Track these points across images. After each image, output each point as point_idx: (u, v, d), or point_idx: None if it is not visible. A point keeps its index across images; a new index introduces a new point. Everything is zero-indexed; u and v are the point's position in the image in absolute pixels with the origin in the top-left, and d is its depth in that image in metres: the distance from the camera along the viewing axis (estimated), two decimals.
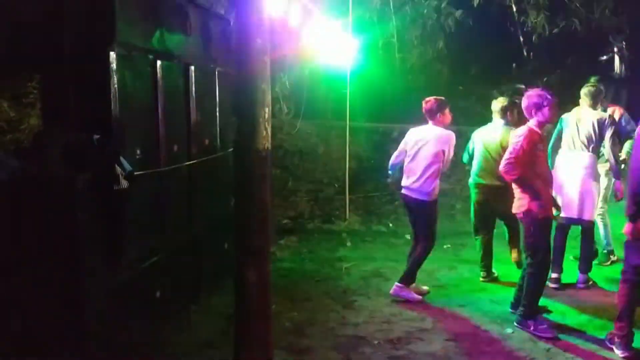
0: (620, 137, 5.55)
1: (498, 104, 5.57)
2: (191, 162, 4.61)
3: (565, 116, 5.40)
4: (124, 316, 3.55)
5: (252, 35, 3.10)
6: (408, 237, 7.26)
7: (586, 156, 5.20)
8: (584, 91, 5.39)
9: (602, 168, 5.55)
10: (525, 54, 12.01)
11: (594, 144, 5.20)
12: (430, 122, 5.09)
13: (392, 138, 10.52)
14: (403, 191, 5.16)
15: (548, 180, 4.51)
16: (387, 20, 11.94)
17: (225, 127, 5.36)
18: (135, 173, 3.52)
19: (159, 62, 4.03)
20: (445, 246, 6.65)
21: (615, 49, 11.08)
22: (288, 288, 5.35)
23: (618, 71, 11.21)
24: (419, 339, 4.29)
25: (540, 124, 4.44)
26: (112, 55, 3.45)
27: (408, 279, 5.08)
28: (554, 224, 4.87)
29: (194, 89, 4.63)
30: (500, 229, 5.83)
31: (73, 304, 3.21)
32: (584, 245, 5.42)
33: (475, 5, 10.95)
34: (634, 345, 4.00)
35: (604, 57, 11.31)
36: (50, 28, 3.48)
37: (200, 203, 4.80)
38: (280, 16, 5.49)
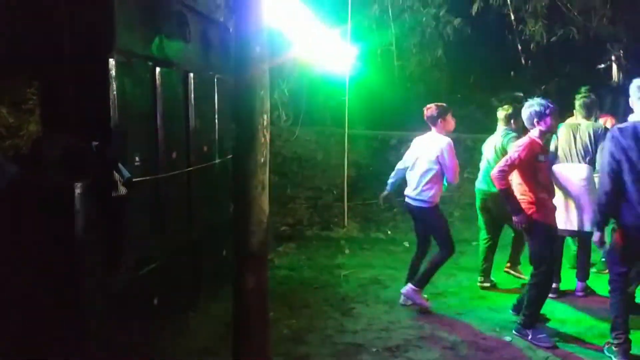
0: None
1: (502, 112, 5.63)
2: (190, 168, 4.61)
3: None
4: (123, 322, 3.54)
5: (251, 42, 3.11)
6: (407, 244, 7.28)
7: (584, 168, 5.16)
8: (579, 102, 5.39)
9: (596, 178, 5.56)
10: (523, 62, 12.07)
11: (591, 155, 5.17)
12: (433, 129, 5.08)
13: (391, 145, 10.54)
14: (406, 200, 5.16)
15: (551, 191, 4.52)
16: (386, 28, 12.00)
17: (224, 134, 5.36)
18: (134, 179, 3.52)
19: (158, 69, 4.04)
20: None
21: (613, 58, 11.13)
22: (286, 295, 5.34)
23: (616, 79, 11.25)
24: (417, 347, 4.28)
25: (542, 134, 4.44)
26: (112, 62, 3.45)
27: (423, 282, 5.02)
28: None
29: (193, 95, 4.64)
30: (504, 240, 5.83)
31: (72, 309, 3.21)
32: (582, 254, 5.43)
33: (473, 13, 11.01)
34: (632, 352, 3.99)
35: (602, 66, 11.36)
36: (50, 34, 3.49)
37: (198, 209, 4.80)
38: (279, 24, 5.51)
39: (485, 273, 5.65)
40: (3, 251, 3.16)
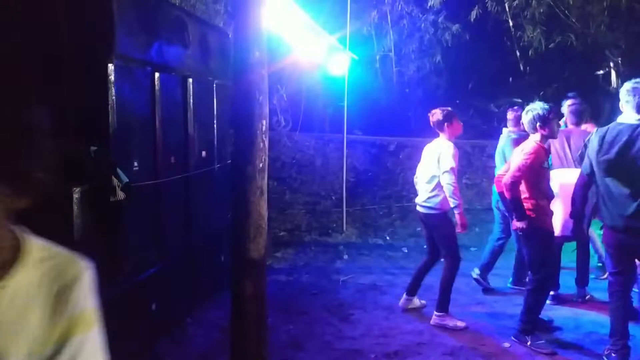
0: None
1: (511, 113, 5.64)
2: (188, 173, 4.61)
3: None
4: (120, 328, 3.53)
5: (250, 48, 3.11)
6: (405, 250, 7.28)
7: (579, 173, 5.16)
8: (571, 109, 5.35)
9: None
10: (521, 68, 12.11)
11: None
12: (440, 135, 4.94)
13: (390, 151, 10.57)
14: (417, 207, 5.05)
15: (550, 197, 4.50)
16: (385, 34, 12.05)
17: (222, 139, 5.36)
18: (132, 184, 3.52)
19: (157, 74, 4.05)
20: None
21: (612, 64, 11.16)
22: (284, 301, 5.33)
23: (615, 86, 11.28)
24: (416, 353, 4.27)
25: (545, 138, 4.37)
26: (111, 66, 3.46)
27: (444, 305, 4.83)
28: None
29: (191, 101, 4.64)
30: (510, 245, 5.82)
31: None
32: (580, 260, 5.43)
33: (472, 19, 11.06)
34: (631, 359, 3.98)
35: (601, 72, 11.40)
36: (49, 39, 3.49)
37: (197, 215, 4.80)
38: (279, 29, 5.52)
39: (484, 269, 5.64)
40: None
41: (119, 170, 3.44)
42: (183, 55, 4.49)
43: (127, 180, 3.46)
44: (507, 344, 4.41)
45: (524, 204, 4.32)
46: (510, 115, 5.71)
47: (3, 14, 3.53)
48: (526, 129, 4.47)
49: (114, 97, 3.48)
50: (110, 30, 3.45)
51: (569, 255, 5.56)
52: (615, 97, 4.12)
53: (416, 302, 5.18)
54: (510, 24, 11.42)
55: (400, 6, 11.67)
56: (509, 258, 5.82)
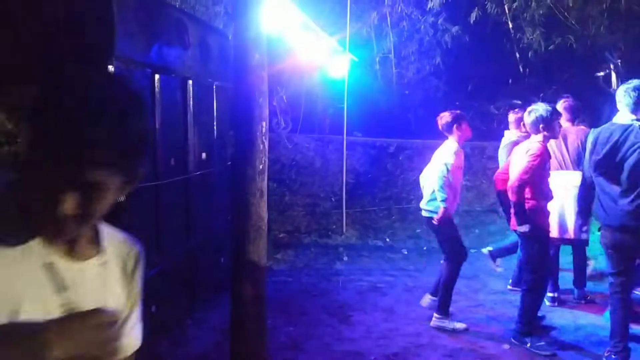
0: None
1: (512, 116, 5.64)
2: (188, 175, 4.61)
3: None
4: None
5: (250, 49, 3.11)
6: (405, 251, 7.28)
7: (577, 175, 5.13)
8: (564, 106, 5.30)
9: None
10: (521, 70, 12.12)
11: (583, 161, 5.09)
12: (449, 138, 4.85)
13: (389, 152, 10.57)
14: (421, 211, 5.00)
15: (549, 197, 4.50)
16: (384, 36, 12.06)
17: (222, 140, 5.36)
18: None
19: (157, 76, 4.05)
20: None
21: (612, 66, 11.17)
22: (284, 302, 5.33)
23: (615, 87, 11.28)
24: (415, 355, 4.27)
25: (547, 139, 4.38)
26: (111, 69, 3.46)
27: (444, 308, 4.81)
28: None
29: (191, 102, 4.65)
30: None
31: None
32: (578, 262, 5.42)
33: (471, 21, 11.06)
34: None
35: (601, 74, 11.40)
36: (48, 41, 3.50)
37: (197, 216, 4.80)
38: (279, 31, 5.52)
39: (495, 253, 5.73)
40: None
41: None
42: (183, 57, 4.50)
43: None
44: (506, 346, 4.41)
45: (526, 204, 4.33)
46: (511, 117, 5.69)
47: (3, 16, 3.54)
48: (528, 129, 4.47)
49: None
50: (110, 31, 3.46)
51: (568, 257, 5.56)
52: (615, 98, 4.13)
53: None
54: (510, 25, 11.42)
55: (400, 8, 11.67)
56: (510, 258, 5.83)
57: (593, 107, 8.58)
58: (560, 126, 4.60)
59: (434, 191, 4.75)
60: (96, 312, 1.00)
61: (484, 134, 10.36)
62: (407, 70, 12.22)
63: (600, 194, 3.99)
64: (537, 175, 4.26)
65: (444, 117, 4.84)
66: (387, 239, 7.94)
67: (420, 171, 5.12)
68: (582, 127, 5.44)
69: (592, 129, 4.21)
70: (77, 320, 0.98)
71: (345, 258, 7.02)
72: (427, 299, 5.20)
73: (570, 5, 10.34)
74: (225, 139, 5.37)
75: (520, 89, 11.63)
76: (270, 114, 5.82)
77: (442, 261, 4.97)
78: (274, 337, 4.30)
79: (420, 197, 5.01)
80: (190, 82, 4.63)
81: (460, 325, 4.74)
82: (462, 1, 11.33)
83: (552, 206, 4.68)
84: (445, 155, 4.72)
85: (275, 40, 5.93)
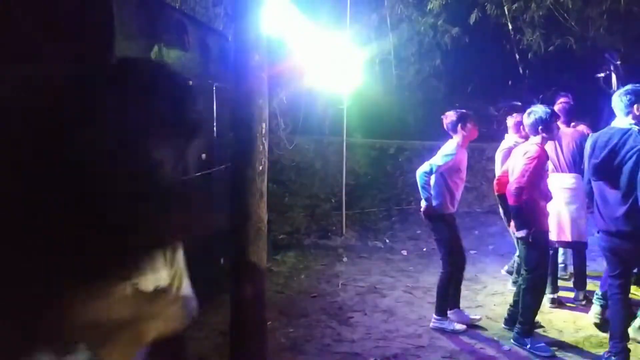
0: None
1: (511, 120, 5.63)
2: (187, 176, 4.60)
3: None
4: None
5: (250, 51, 3.12)
6: (405, 253, 7.28)
7: (572, 177, 5.13)
8: (559, 107, 5.29)
9: None
10: (521, 71, 12.13)
11: (579, 162, 5.05)
12: (453, 137, 4.77)
13: (389, 154, 10.58)
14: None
15: (549, 199, 4.51)
16: (384, 38, 12.06)
17: (222, 141, 5.36)
18: None
19: None
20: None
21: (612, 67, 11.17)
22: (284, 304, 5.33)
23: (615, 88, 11.28)
24: (415, 356, 4.27)
25: (546, 141, 4.38)
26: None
27: (441, 308, 4.79)
28: None
29: None
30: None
31: None
32: (577, 263, 5.42)
33: (471, 23, 11.08)
34: None
35: (601, 75, 11.40)
36: (48, 42, 3.50)
37: (196, 217, 4.79)
38: (279, 32, 5.53)
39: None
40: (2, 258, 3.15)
41: None
42: (183, 58, 4.50)
43: None
44: (506, 347, 4.41)
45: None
46: (510, 122, 5.66)
47: (2, 17, 3.54)
48: (527, 131, 4.48)
49: None
50: (109, 33, 3.46)
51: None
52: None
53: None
54: (510, 27, 11.44)
55: (399, 9, 11.69)
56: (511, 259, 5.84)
57: (593, 108, 8.57)
58: (558, 128, 4.61)
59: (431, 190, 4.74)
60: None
61: (484, 135, 10.35)
62: (407, 72, 12.23)
63: (598, 199, 4.00)
64: (536, 177, 4.27)
65: (449, 116, 4.78)
66: (387, 241, 7.94)
67: None
68: (583, 127, 5.44)
69: (591, 134, 4.22)
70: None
71: (345, 259, 7.02)
72: None
73: (570, 6, 10.36)
74: (225, 140, 5.37)
75: (520, 90, 11.65)
76: (270, 115, 5.82)
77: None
78: (274, 338, 4.30)
79: (420, 199, 5.01)
80: (190, 83, 4.62)
81: (459, 327, 4.74)
82: (462, 3, 11.35)
83: (549, 208, 4.70)
84: (436, 157, 4.71)
85: (275, 42, 5.94)
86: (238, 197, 3.23)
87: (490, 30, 11.51)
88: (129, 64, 1.22)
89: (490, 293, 5.67)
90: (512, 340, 4.45)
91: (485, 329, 4.80)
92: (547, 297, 5.16)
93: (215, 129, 5.26)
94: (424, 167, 4.66)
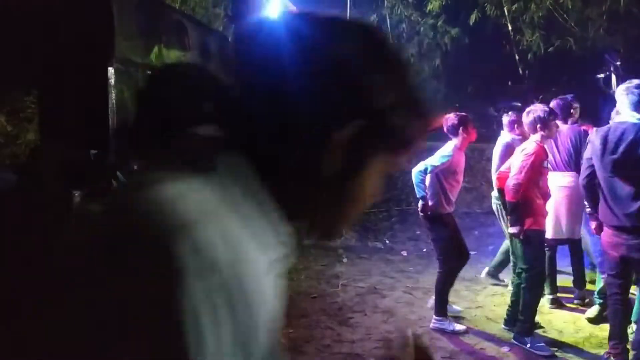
0: None
1: (506, 118, 5.65)
2: None
3: None
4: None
5: None
6: (405, 253, 7.28)
7: (569, 175, 5.12)
8: (554, 104, 5.32)
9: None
10: (520, 72, 12.12)
11: (575, 161, 5.05)
12: (453, 140, 4.78)
13: None
14: None
15: (547, 197, 4.53)
16: None
17: None
18: None
19: None
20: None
21: (612, 68, 11.17)
22: (283, 304, 5.32)
23: (615, 89, 11.27)
24: None
25: (545, 140, 4.41)
26: (110, 70, 3.46)
27: (440, 309, 4.78)
28: None
29: None
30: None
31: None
32: (576, 262, 5.43)
33: (471, 23, 11.07)
34: None
35: (601, 75, 11.40)
36: (48, 43, 3.50)
37: None
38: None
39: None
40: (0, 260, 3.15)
41: (119, 174, 3.44)
42: (183, 59, 4.50)
43: None
44: (506, 348, 4.41)
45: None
46: (505, 119, 5.72)
47: (2, 18, 3.54)
48: (526, 129, 4.51)
49: (113, 101, 3.48)
50: (110, 33, 3.46)
51: (567, 260, 5.56)
52: (615, 100, 4.14)
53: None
54: (510, 27, 11.43)
55: (399, 10, 11.69)
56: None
57: (593, 109, 8.57)
58: (557, 126, 4.62)
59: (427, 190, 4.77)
60: None
61: (484, 136, 10.35)
62: None
63: (607, 195, 3.91)
64: (534, 174, 4.29)
65: (450, 119, 4.79)
66: (387, 241, 7.94)
67: None
68: (586, 125, 5.45)
69: (595, 130, 4.16)
70: None
71: (345, 260, 7.02)
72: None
73: (570, 7, 10.36)
74: None
75: (520, 91, 11.64)
76: None
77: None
78: None
79: None
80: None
81: (459, 327, 4.74)
82: (462, 3, 11.34)
83: (547, 206, 4.71)
84: (432, 157, 4.73)
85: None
86: None
87: (490, 31, 11.50)
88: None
89: (490, 294, 5.67)
90: (513, 339, 4.46)
91: (485, 330, 4.80)
92: (547, 298, 5.16)
93: None
94: (420, 166, 4.70)
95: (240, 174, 0.72)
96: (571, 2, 10.08)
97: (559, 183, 5.12)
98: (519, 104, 8.70)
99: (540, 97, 10.59)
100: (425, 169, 4.66)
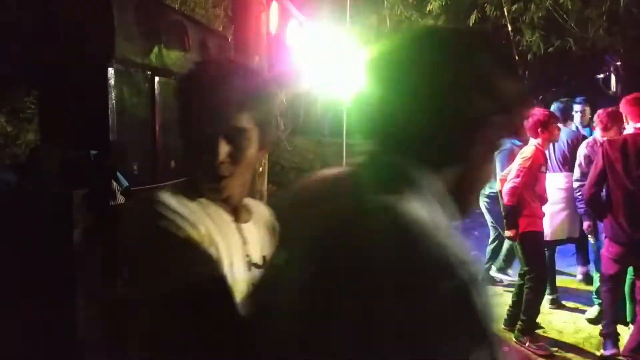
0: None
1: None
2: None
3: None
4: (119, 335, 3.52)
5: (250, 52, 3.12)
6: None
7: (563, 176, 5.13)
8: (552, 107, 5.35)
9: (575, 184, 5.53)
10: (520, 72, 12.13)
11: (570, 163, 5.07)
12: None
13: None
14: None
15: (544, 201, 4.53)
16: (384, 38, 12.06)
17: None
18: (132, 189, 3.52)
19: (157, 79, 4.05)
20: None
21: (612, 68, 11.18)
22: None
23: (615, 90, 11.29)
24: None
25: (546, 143, 4.43)
26: (110, 71, 3.46)
27: None
28: None
29: None
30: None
31: (66, 321, 3.19)
32: (578, 259, 5.44)
33: (471, 24, 11.07)
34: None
35: (601, 76, 11.41)
36: (48, 43, 3.51)
37: None
38: (278, 34, 5.53)
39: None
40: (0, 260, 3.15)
41: (118, 174, 3.45)
42: (183, 59, 4.50)
43: (127, 184, 3.47)
44: (506, 348, 4.41)
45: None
46: None
47: (2, 18, 3.55)
48: (527, 133, 4.51)
49: (113, 101, 3.49)
50: (109, 34, 3.46)
51: (567, 260, 5.56)
52: (615, 100, 4.15)
53: None
54: (509, 28, 11.44)
55: (399, 10, 11.69)
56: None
57: (593, 109, 8.59)
58: (559, 129, 4.63)
59: None
60: None
61: None
62: None
63: (621, 208, 3.91)
64: (530, 178, 4.30)
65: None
66: None
67: None
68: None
69: (607, 139, 4.15)
70: None
71: None
72: None
73: (570, 7, 10.36)
74: None
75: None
76: None
77: None
78: None
79: None
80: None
81: None
82: (462, 4, 11.34)
83: (546, 208, 4.72)
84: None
85: (275, 43, 5.94)
86: None
87: (490, 31, 11.51)
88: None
89: (490, 294, 5.65)
90: (513, 339, 4.46)
91: None
92: (547, 298, 5.16)
93: None
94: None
95: (432, 186, 0.88)
96: (571, 2, 10.07)
97: (555, 185, 5.12)
98: None
99: (540, 97, 10.61)
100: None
